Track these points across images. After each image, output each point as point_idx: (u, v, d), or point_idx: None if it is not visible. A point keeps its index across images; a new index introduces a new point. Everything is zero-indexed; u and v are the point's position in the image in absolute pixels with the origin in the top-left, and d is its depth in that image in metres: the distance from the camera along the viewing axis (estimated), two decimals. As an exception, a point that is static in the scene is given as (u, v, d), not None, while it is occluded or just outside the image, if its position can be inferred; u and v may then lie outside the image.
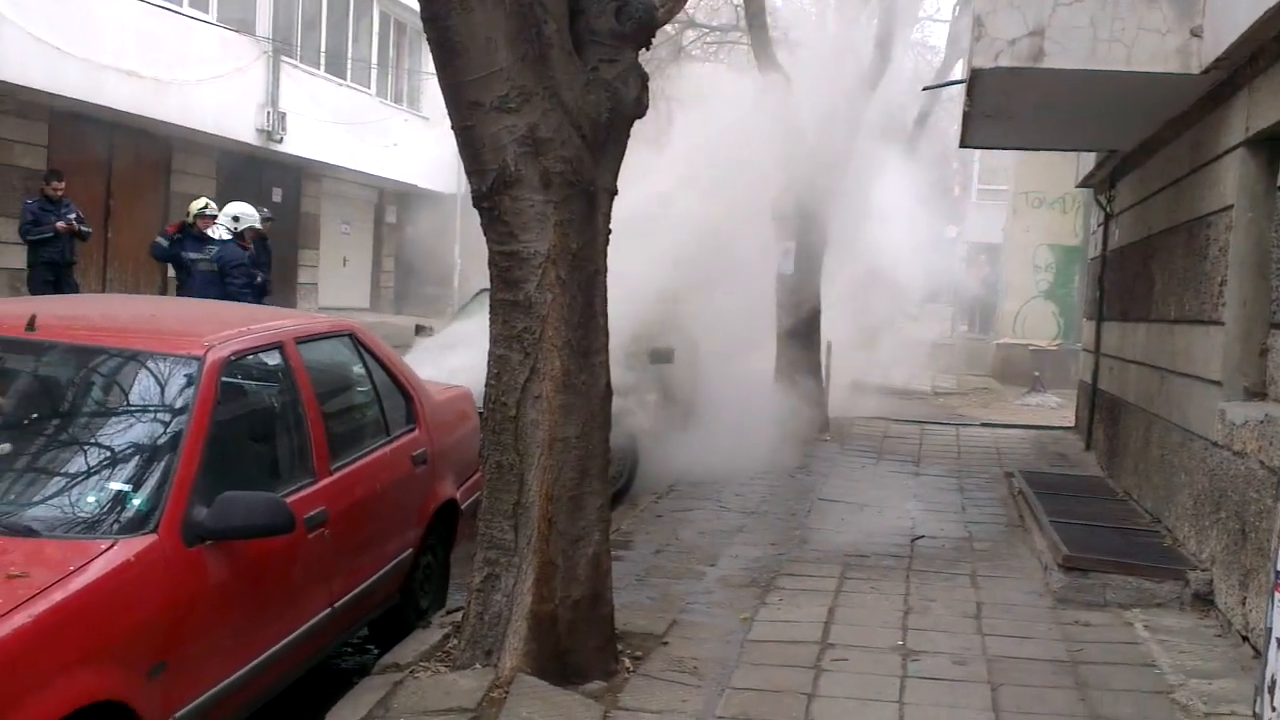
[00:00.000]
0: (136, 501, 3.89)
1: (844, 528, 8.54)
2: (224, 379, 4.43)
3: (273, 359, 4.92)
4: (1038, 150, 15.72)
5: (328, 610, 4.87)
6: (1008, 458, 12.21)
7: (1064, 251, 21.61)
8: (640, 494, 9.51)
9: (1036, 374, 19.43)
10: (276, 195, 21.67)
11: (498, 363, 5.01)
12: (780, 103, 12.52)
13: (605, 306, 5.16)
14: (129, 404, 4.31)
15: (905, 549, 7.95)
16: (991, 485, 10.61)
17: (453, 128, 4.86)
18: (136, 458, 4.04)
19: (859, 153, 14.10)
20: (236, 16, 19.53)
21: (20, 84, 14.93)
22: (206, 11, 18.81)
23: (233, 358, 4.56)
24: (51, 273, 13.03)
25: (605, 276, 5.15)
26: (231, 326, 4.88)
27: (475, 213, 5.00)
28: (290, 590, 4.60)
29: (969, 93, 8.21)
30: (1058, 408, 17.45)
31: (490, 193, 4.85)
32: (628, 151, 5.28)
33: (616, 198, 5.24)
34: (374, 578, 5.34)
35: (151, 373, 4.34)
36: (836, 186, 13.73)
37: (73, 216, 13.14)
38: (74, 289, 13.37)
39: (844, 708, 5.03)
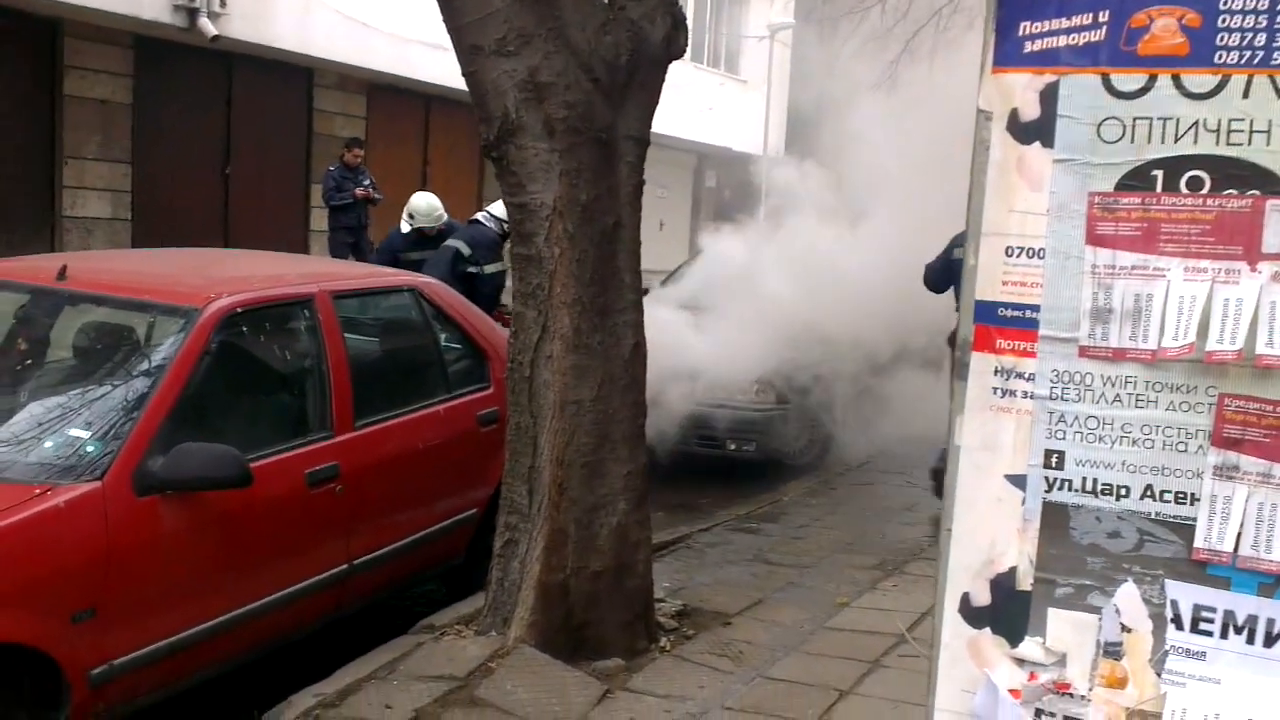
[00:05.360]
0: (90, 449, 3.96)
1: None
2: (222, 331, 4.42)
3: (295, 313, 4.87)
4: None
5: (344, 566, 4.83)
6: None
7: None
8: (833, 467, 8.97)
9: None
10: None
11: (516, 320, 4.79)
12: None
13: (633, 262, 4.81)
14: (117, 353, 4.42)
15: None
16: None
17: (462, 74, 4.68)
18: (102, 406, 4.12)
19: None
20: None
21: (329, 59, 15.92)
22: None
23: (238, 309, 4.53)
24: (350, 235, 13.96)
25: (631, 230, 4.79)
26: (266, 278, 4.92)
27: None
28: (284, 545, 4.56)
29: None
30: None
31: (497, 141, 4.64)
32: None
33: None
34: (416, 535, 5.24)
35: (145, 323, 4.45)
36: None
37: (368, 183, 13.96)
38: (369, 250, 14.18)
39: (871, 709, 4.51)
